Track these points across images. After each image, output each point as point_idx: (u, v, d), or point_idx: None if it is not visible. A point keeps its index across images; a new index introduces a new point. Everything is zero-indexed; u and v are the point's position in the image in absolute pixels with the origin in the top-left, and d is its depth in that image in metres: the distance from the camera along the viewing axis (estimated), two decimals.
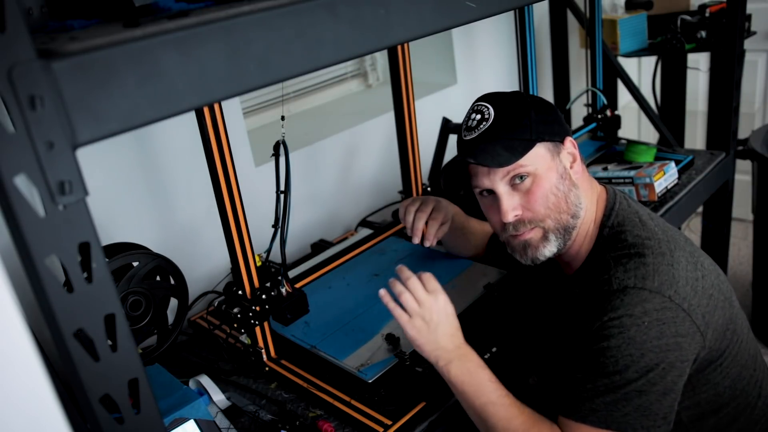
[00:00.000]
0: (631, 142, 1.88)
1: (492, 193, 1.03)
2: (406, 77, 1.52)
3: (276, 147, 1.12)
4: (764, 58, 2.87)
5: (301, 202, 1.70)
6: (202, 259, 1.51)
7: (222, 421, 1.09)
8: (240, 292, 1.17)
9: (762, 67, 2.89)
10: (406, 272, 1.05)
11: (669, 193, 1.64)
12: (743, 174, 2.45)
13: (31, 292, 0.50)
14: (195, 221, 1.50)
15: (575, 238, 1.05)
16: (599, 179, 1.14)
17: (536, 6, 2.06)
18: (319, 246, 1.64)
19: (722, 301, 1.02)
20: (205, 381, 1.16)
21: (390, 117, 1.63)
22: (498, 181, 1.01)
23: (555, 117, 1.05)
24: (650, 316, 0.91)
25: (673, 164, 1.68)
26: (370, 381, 1.09)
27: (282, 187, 1.13)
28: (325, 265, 1.48)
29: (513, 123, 1.00)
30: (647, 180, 1.59)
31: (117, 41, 0.50)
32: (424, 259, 1.47)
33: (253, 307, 1.16)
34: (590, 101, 1.97)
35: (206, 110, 1.04)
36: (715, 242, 2.12)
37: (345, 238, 1.69)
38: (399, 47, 1.48)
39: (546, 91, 2.44)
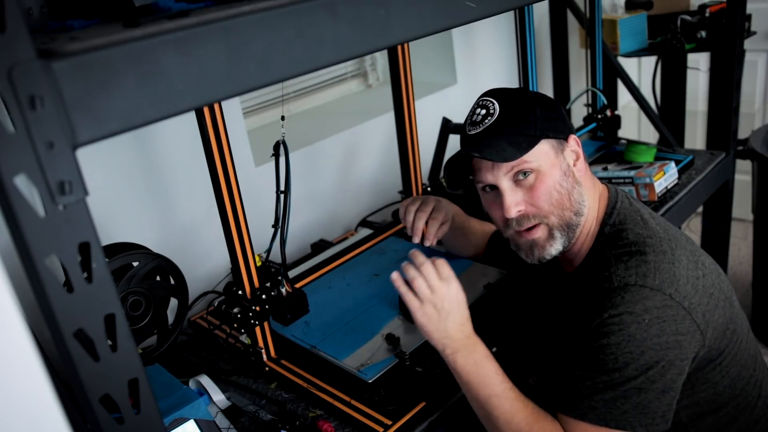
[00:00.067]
0: (631, 142, 1.88)
1: (495, 188, 1.03)
2: (406, 77, 1.52)
3: (276, 147, 1.12)
4: (764, 58, 2.87)
5: (301, 202, 1.70)
6: (202, 259, 1.51)
7: (222, 421, 1.09)
8: (240, 292, 1.17)
9: (762, 67, 2.89)
10: (420, 257, 1.04)
11: (669, 193, 1.64)
12: (743, 174, 2.45)
13: (31, 292, 0.50)
14: (195, 221, 1.50)
15: (578, 236, 1.05)
16: (600, 179, 1.14)
17: (536, 6, 2.06)
18: (319, 246, 1.64)
19: (723, 300, 1.02)
20: (205, 381, 1.16)
21: (390, 117, 1.63)
22: (501, 176, 1.01)
23: (559, 114, 1.05)
24: (651, 314, 0.91)
25: (673, 164, 1.68)
26: (370, 381, 1.09)
27: (282, 187, 1.13)
28: (325, 265, 1.48)
29: (518, 119, 1.00)
30: (647, 180, 1.59)
31: (117, 41, 0.50)
32: None
33: (253, 307, 1.16)
34: (590, 101, 1.97)
35: (206, 110, 1.04)
36: (715, 242, 2.12)
37: (345, 238, 1.69)
38: (399, 47, 1.48)
39: (546, 91, 2.44)
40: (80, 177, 0.49)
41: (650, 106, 2.13)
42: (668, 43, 2.14)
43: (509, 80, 2.29)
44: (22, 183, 0.46)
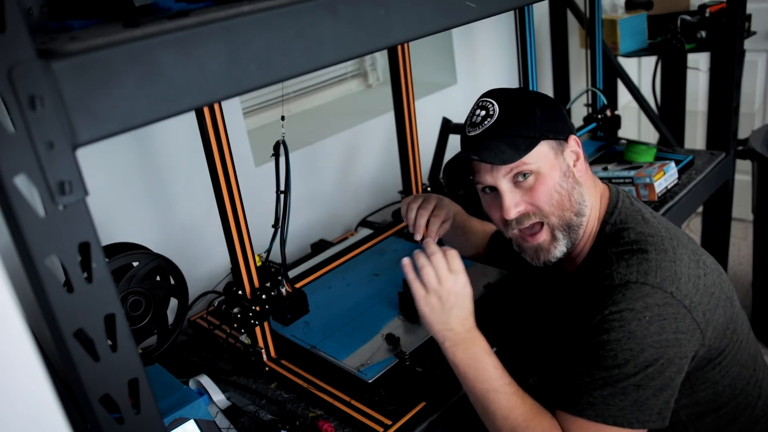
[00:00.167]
0: (631, 142, 1.88)
1: (495, 190, 1.03)
2: (406, 77, 1.52)
3: (276, 147, 1.12)
4: (764, 58, 2.87)
5: (301, 202, 1.70)
6: (202, 259, 1.51)
7: (222, 421, 1.09)
8: (240, 292, 1.17)
9: (762, 67, 2.89)
10: (432, 247, 1.04)
11: (669, 193, 1.64)
12: (743, 174, 2.45)
13: (31, 292, 0.50)
14: (195, 221, 1.50)
15: (581, 236, 1.05)
16: (600, 179, 1.14)
17: (536, 6, 2.06)
18: (319, 246, 1.64)
19: (723, 300, 1.02)
20: (205, 381, 1.16)
21: (390, 117, 1.63)
22: (501, 178, 1.01)
23: (559, 115, 1.05)
24: (651, 311, 0.91)
25: (673, 164, 1.68)
26: (370, 381, 1.09)
27: (282, 187, 1.13)
28: (325, 265, 1.48)
29: (517, 120, 1.00)
30: (647, 180, 1.59)
31: (117, 41, 0.50)
32: None
33: (253, 307, 1.16)
34: (590, 101, 1.97)
35: (206, 110, 1.04)
36: (715, 242, 2.12)
37: (345, 238, 1.69)
38: (399, 47, 1.48)
39: (546, 91, 2.44)
40: (80, 177, 0.49)
41: (650, 106, 2.13)
42: (668, 43, 2.14)
43: (509, 80, 2.29)
44: (22, 183, 0.46)
